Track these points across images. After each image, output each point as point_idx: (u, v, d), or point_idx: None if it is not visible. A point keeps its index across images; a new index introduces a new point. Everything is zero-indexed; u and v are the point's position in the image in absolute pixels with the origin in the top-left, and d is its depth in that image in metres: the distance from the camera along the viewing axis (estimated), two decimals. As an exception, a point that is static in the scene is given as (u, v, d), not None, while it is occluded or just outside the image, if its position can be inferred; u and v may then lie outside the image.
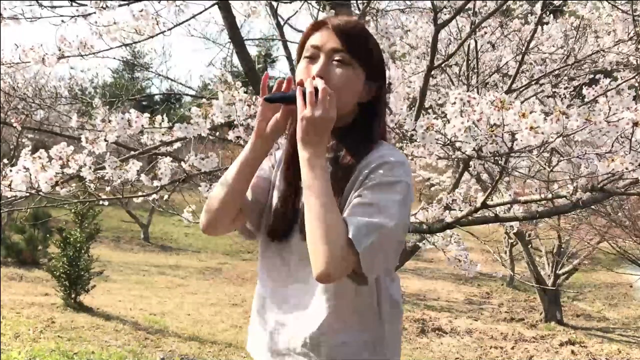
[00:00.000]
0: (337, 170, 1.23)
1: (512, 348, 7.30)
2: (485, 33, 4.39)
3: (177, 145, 2.79)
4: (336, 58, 1.21)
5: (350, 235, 1.10)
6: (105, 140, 2.35)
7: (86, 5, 2.46)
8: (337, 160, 1.25)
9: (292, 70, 3.55)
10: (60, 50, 2.46)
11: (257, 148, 1.26)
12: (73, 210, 6.87)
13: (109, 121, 2.33)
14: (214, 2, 2.89)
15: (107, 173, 2.45)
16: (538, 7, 3.67)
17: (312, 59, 1.23)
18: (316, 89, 1.16)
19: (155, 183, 2.58)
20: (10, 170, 2.23)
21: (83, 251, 6.80)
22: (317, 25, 1.25)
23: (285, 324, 1.27)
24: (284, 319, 1.28)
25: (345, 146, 1.25)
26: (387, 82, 1.30)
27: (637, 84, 3.20)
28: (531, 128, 1.84)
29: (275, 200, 1.32)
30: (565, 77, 4.55)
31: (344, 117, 1.25)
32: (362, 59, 1.23)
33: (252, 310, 1.38)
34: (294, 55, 3.07)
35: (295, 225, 1.26)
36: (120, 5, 2.55)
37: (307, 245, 1.16)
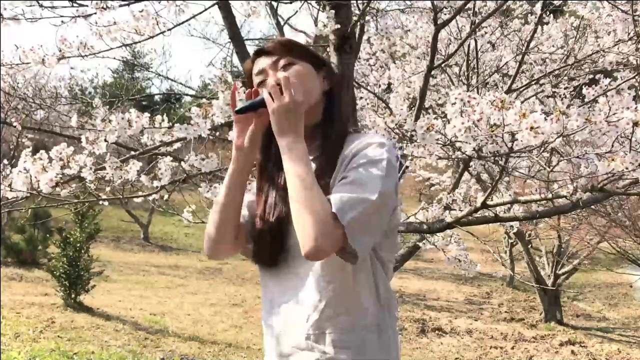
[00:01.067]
0: (321, 166, 1.26)
1: (512, 348, 7.30)
2: (485, 33, 4.39)
3: (177, 145, 2.78)
4: (280, 66, 1.30)
5: (334, 209, 1.13)
6: (106, 140, 2.35)
7: (86, 6, 2.45)
8: (319, 157, 1.29)
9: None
10: (60, 50, 2.46)
11: (240, 162, 1.30)
12: (73, 210, 6.87)
13: (109, 121, 2.32)
14: (214, 2, 2.89)
15: (107, 173, 2.45)
16: (538, 7, 3.67)
17: (263, 82, 1.31)
18: (278, 84, 1.22)
19: (156, 183, 2.58)
20: (11, 171, 2.23)
21: (83, 251, 6.80)
22: (252, 60, 1.36)
23: (291, 323, 1.28)
24: (289, 318, 1.28)
25: (322, 143, 1.30)
26: (332, 69, 1.38)
27: (637, 84, 3.20)
28: (531, 128, 1.84)
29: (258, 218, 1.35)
30: (565, 77, 4.55)
31: (313, 111, 1.30)
32: (300, 55, 1.32)
33: (262, 319, 1.39)
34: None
35: (289, 227, 1.26)
36: (120, 6, 2.55)
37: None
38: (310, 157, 1.24)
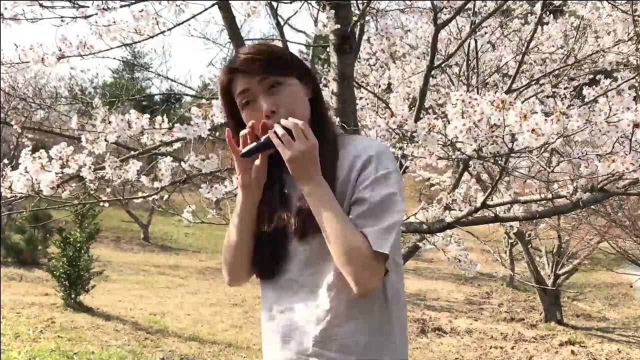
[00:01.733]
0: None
1: (512, 348, 7.30)
2: (485, 33, 4.39)
3: (177, 145, 2.78)
4: (268, 85, 1.24)
5: (374, 248, 1.17)
6: (106, 140, 2.35)
7: (87, 6, 2.45)
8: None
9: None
10: (60, 50, 2.46)
11: (248, 200, 1.30)
12: (73, 211, 6.87)
13: (109, 122, 2.32)
14: (214, 2, 2.89)
15: (107, 173, 2.44)
16: (538, 7, 3.67)
17: (250, 102, 1.25)
18: (286, 129, 1.19)
19: (156, 184, 2.58)
20: (12, 171, 2.23)
21: (83, 251, 6.80)
22: (228, 76, 1.27)
23: (296, 330, 1.27)
24: (294, 325, 1.28)
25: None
26: (313, 74, 1.35)
27: (637, 84, 3.20)
28: (532, 130, 1.84)
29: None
30: (565, 77, 4.55)
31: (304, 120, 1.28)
32: (286, 70, 1.26)
33: (262, 324, 1.39)
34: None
35: (286, 236, 1.27)
36: (121, 7, 2.55)
37: (305, 248, 1.23)
38: None
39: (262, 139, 1.22)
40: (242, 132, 1.25)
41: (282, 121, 1.20)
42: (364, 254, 1.16)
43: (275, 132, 1.19)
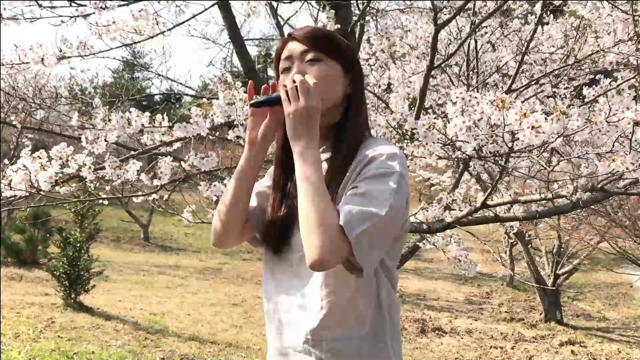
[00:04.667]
0: (332, 168, 1.26)
1: (512, 348, 7.29)
2: (485, 33, 4.39)
3: (177, 145, 2.78)
4: (307, 58, 1.26)
5: (341, 222, 1.10)
6: (105, 140, 2.35)
7: (85, 5, 2.45)
8: (331, 159, 1.28)
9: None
10: (60, 50, 2.46)
11: (252, 157, 1.30)
12: (73, 210, 6.87)
13: (109, 120, 2.32)
14: (214, 2, 2.89)
15: (107, 173, 2.44)
16: (538, 7, 3.67)
17: (288, 69, 1.29)
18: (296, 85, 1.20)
19: (155, 182, 2.58)
20: (11, 169, 2.23)
21: (83, 251, 6.80)
22: (284, 42, 1.32)
23: (289, 322, 1.28)
24: (287, 317, 1.29)
25: (337, 145, 1.28)
26: (361, 73, 1.35)
27: (637, 84, 3.19)
28: (532, 127, 1.84)
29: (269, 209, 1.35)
30: (565, 77, 4.55)
31: (331, 112, 1.28)
32: (332, 53, 1.28)
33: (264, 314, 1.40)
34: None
35: (294, 224, 1.26)
36: (119, 6, 2.55)
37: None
38: (323, 157, 1.24)
39: (274, 95, 1.24)
40: (264, 86, 1.27)
41: (295, 76, 1.21)
42: (330, 227, 1.10)
43: (286, 89, 1.20)
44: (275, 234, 1.30)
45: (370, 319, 1.24)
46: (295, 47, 1.28)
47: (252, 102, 1.27)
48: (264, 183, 1.40)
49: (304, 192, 1.15)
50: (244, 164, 1.30)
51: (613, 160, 2.04)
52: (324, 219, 1.11)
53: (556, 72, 4.17)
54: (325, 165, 1.25)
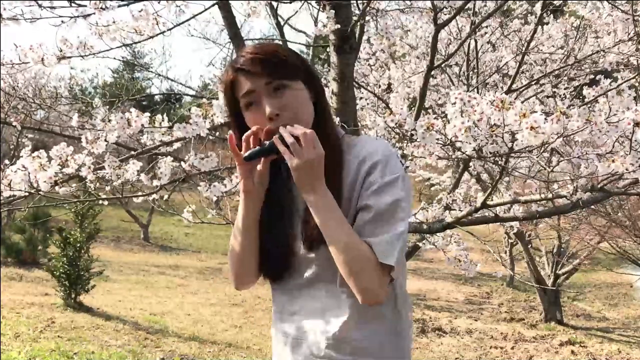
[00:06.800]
0: (327, 168, 1.24)
1: (512, 348, 7.29)
2: (485, 33, 4.39)
3: (177, 145, 2.78)
4: (273, 88, 1.20)
5: (378, 256, 1.16)
6: (105, 140, 2.35)
7: (85, 6, 2.45)
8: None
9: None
10: (60, 50, 2.46)
11: (250, 206, 1.27)
12: (73, 210, 6.87)
13: (109, 120, 2.32)
14: (214, 2, 2.89)
15: (107, 173, 2.44)
16: (538, 7, 3.67)
17: (254, 103, 1.22)
18: (295, 136, 1.15)
19: (155, 182, 2.58)
20: (11, 169, 2.23)
21: (83, 251, 6.80)
22: (232, 76, 1.23)
23: (306, 331, 1.27)
24: (304, 326, 1.28)
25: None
26: (317, 75, 1.31)
27: (637, 84, 3.19)
28: (532, 128, 1.84)
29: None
30: (565, 77, 4.55)
31: (309, 127, 1.25)
32: (291, 74, 1.22)
33: (272, 325, 1.39)
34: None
35: (295, 243, 1.27)
36: (119, 6, 2.55)
37: (316, 253, 1.23)
38: None
39: (267, 143, 1.19)
40: (245, 135, 1.20)
41: (289, 128, 1.16)
42: (370, 265, 1.15)
43: (279, 138, 1.16)
44: (277, 258, 1.29)
45: (390, 316, 1.27)
46: (254, 80, 1.20)
47: (245, 157, 1.20)
48: None
49: (332, 242, 1.17)
50: (245, 214, 1.27)
51: (613, 160, 2.03)
52: (363, 261, 1.15)
53: (556, 72, 4.17)
54: None
